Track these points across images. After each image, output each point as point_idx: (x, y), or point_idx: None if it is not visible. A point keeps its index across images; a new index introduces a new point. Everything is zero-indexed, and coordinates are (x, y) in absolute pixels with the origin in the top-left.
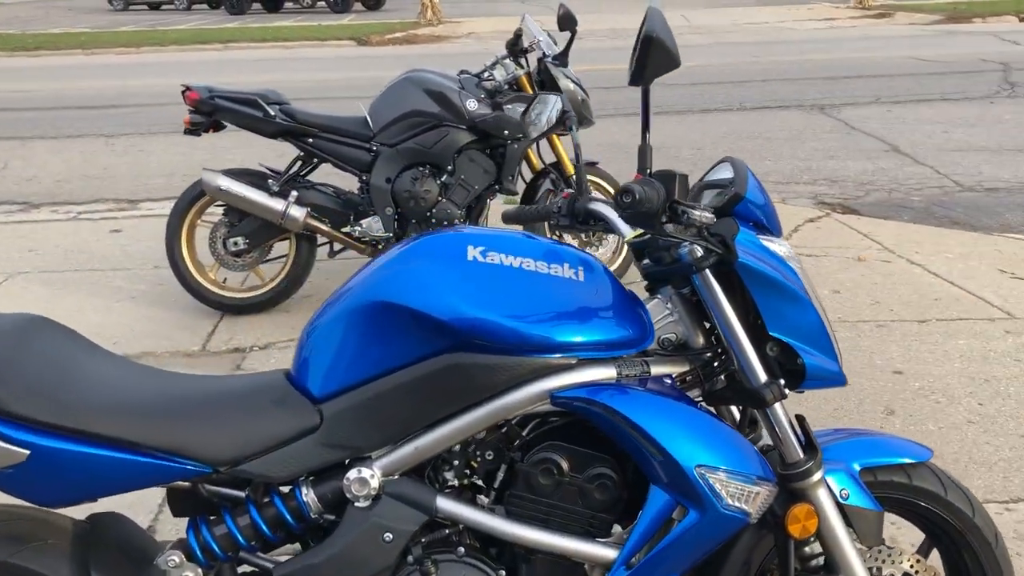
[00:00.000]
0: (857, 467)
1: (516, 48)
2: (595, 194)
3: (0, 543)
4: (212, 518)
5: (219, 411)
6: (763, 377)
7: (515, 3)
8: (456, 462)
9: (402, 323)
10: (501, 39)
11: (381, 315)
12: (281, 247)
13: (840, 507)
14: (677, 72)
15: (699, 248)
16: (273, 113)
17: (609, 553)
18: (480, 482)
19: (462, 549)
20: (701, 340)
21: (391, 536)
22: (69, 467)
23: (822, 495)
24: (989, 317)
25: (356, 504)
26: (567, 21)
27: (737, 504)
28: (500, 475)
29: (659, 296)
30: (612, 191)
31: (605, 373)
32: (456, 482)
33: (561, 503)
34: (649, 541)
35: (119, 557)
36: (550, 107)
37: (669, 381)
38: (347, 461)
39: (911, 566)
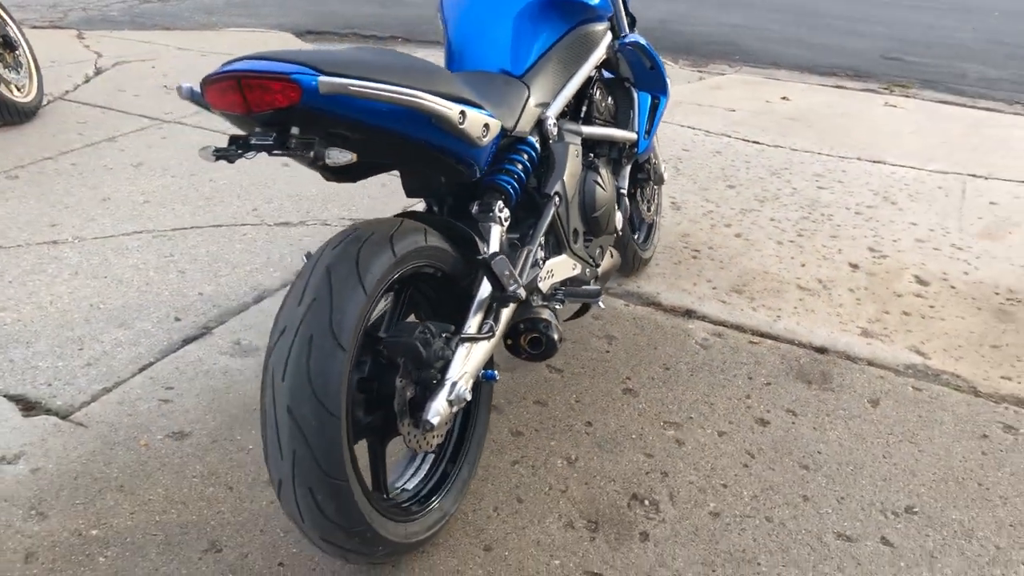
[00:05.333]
0: None
1: None
2: None
3: (404, 242)
4: (503, 172)
5: (493, 91)
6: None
7: None
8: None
9: (559, 10)
10: None
11: (546, 9)
12: None
13: None
14: None
15: None
16: None
17: (633, 135)
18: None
19: (591, 154)
20: None
21: (577, 152)
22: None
23: None
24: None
25: (555, 140)
26: None
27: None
28: (584, 107)
29: None
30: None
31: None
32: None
33: (612, 115)
34: (648, 119)
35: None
36: None
37: None
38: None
39: None
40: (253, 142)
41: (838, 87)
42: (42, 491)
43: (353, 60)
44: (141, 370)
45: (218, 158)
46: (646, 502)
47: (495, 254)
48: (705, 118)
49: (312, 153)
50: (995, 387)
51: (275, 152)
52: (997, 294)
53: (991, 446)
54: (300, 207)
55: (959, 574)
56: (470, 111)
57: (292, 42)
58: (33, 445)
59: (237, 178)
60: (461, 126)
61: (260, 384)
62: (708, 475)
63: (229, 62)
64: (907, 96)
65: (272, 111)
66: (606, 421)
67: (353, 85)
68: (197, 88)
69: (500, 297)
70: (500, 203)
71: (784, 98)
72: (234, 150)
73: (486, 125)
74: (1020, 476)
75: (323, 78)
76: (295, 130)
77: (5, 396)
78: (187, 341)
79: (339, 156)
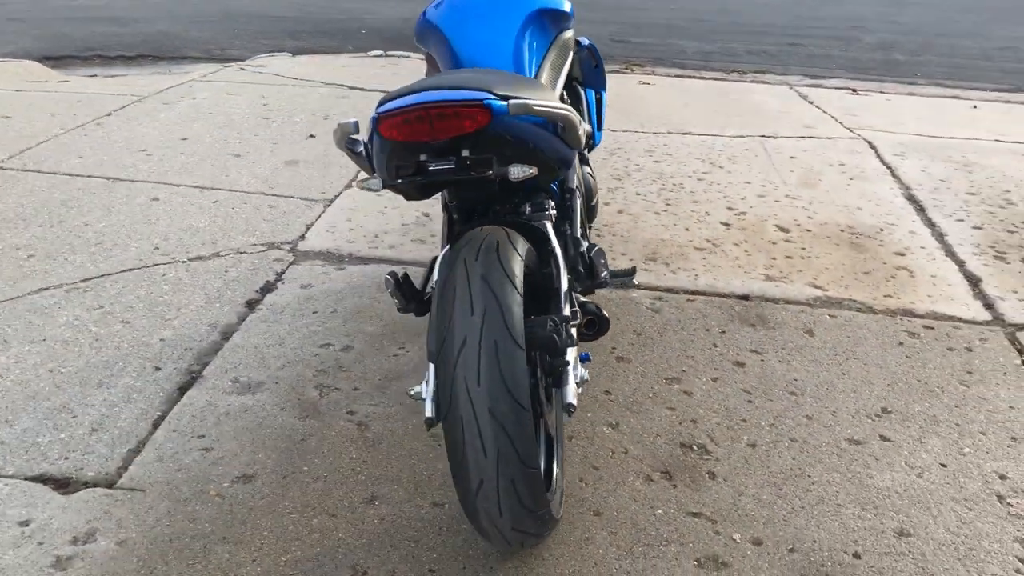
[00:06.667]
0: None
1: None
2: None
3: (519, 244)
4: None
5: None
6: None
7: None
8: None
9: (548, 20)
10: None
11: (538, 19)
12: None
13: None
14: None
15: None
16: None
17: (590, 128)
18: None
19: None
20: None
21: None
22: None
23: None
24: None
25: None
26: None
27: None
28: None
29: None
30: None
31: None
32: None
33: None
34: (595, 112)
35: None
36: None
37: None
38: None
39: None
40: (432, 168)
41: None
42: (144, 562)
43: (497, 81)
44: (155, 425)
45: (386, 187)
46: (694, 447)
47: (592, 246)
48: None
49: (491, 171)
50: (885, 304)
51: (453, 175)
52: (842, 231)
53: (910, 351)
54: (201, 239)
55: (944, 450)
56: (581, 118)
57: (36, 69)
58: (99, 520)
59: (113, 220)
60: (579, 132)
61: (448, 395)
62: (727, 415)
63: (397, 97)
64: (648, 74)
65: (451, 138)
66: (620, 388)
67: (534, 104)
68: (360, 122)
69: (591, 284)
70: (550, 201)
71: None
72: (393, 180)
73: (585, 129)
74: (942, 369)
75: (513, 101)
76: (465, 152)
77: (26, 479)
78: (183, 388)
79: (520, 171)
